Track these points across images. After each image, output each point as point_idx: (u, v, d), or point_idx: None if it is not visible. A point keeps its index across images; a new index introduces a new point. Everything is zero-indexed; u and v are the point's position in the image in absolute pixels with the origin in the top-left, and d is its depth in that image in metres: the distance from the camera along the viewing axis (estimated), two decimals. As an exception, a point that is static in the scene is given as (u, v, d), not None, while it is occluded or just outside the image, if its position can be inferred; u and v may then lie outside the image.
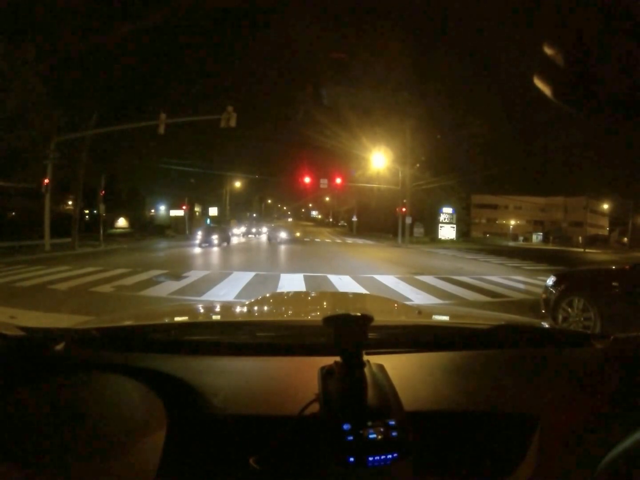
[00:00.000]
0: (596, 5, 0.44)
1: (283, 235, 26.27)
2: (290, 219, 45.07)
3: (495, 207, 50.49)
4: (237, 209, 53.31)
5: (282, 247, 20.36)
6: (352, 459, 0.67)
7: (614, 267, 5.10)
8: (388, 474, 0.68)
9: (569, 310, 4.45)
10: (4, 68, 14.17)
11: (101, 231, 19.83)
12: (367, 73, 26.57)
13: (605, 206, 48.02)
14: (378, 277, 9.10)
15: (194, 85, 25.07)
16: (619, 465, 0.67)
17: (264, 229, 39.18)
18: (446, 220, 39.82)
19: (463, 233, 41.66)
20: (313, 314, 1.54)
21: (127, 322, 1.36)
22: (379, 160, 25.74)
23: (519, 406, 0.89)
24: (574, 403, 0.89)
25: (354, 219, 44.39)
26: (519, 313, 4.17)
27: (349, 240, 30.17)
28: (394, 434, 0.69)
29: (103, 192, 20.25)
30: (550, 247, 37.57)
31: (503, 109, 46.85)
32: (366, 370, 0.80)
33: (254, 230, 35.59)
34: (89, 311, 4.86)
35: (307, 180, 25.83)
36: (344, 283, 7.93)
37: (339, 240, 29.87)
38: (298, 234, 32.64)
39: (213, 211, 46.20)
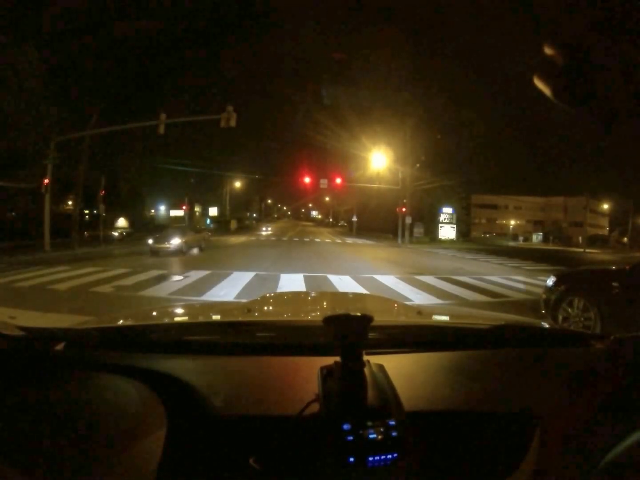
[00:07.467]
0: (597, 5, 0.44)
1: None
2: (269, 229, 38.67)
3: (495, 207, 50.45)
4: (237, 209, 53.27)
5: (282, 248, 20.34)
6: (352, 459, 0.67)
7: (614, 267, 5.09)
8: (388, 474, 0.68)
9: (569, 310, 4.45)
10: (4, 68, 14.18)
11: (101, 231, 19.80)
12: (368, 73, 26.55)
13: (605, 206, 48.03)
14: (378, 277, 9.10)
15: (194, 85, 24.97)
16: (619, 465, 0.67)
17: (269, 229, 38.73)
18: (446, 220, 39.78)
19: (463, 233, 41.61)
20: (313, 314, 1.54)
21: (127, 322, 1.36)
22: (379, 160, 25.75)
23: (519, 406, 0.89)
24: (574, 403, 0.88)
25: (354, 219, 44.29)
26: (519, 313, 4.16)
27: (349, 240, 30.13)
28: (394, 434, 0.69)
29: (103, 192, 20.23)
30: (550, 247, 37.58)
31: (503, 109, 46.86)
32: (366, 370, 0.80)
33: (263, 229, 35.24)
34: (89, 311, 4.86)
35: (307, 180, 25.88)
36: (344, 283, 7.93)
37: (338, 240, 29.82)
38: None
39: (213, 211, 46.24)
